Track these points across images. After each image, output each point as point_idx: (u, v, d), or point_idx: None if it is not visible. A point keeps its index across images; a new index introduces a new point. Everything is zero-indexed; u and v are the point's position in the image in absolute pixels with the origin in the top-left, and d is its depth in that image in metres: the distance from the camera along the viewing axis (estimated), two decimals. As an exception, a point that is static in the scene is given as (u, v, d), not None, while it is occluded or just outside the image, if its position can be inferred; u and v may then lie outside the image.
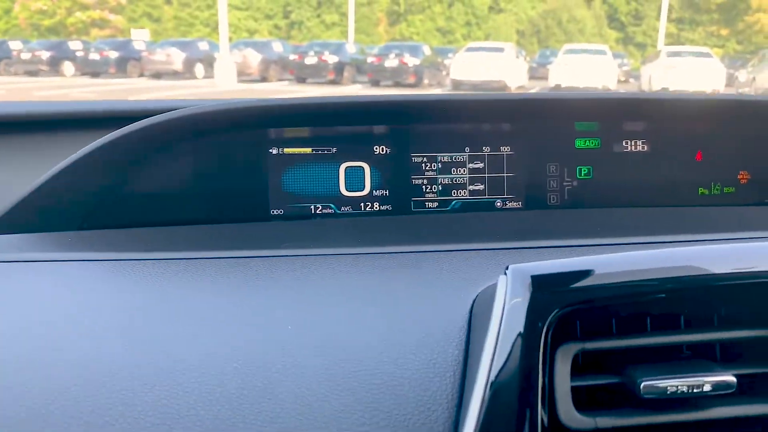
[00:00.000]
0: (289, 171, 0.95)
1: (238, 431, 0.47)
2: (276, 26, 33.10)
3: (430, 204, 0.98)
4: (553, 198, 1.01)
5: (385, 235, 0.88)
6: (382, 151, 0.96)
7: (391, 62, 17.63)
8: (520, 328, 0.45)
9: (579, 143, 1.01)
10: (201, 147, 0.91)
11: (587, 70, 16.74)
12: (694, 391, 0.45)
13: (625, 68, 23.69)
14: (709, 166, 1.03)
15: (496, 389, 0.44)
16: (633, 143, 1.02)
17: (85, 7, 29.32)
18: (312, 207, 0.95)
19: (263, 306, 0.60)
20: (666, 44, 25.11)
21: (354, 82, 18.35)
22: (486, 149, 0.99)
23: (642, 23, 35.90)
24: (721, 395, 0.47)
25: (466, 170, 0.99)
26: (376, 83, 17.84)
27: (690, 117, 1.02)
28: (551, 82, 17.07)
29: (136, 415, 0.48)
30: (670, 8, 29.54)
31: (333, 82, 18.02)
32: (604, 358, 0.49)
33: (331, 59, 18.15)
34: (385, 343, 0.54)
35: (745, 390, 0.48)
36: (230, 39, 20.26)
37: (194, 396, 0.49)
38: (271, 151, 0.94)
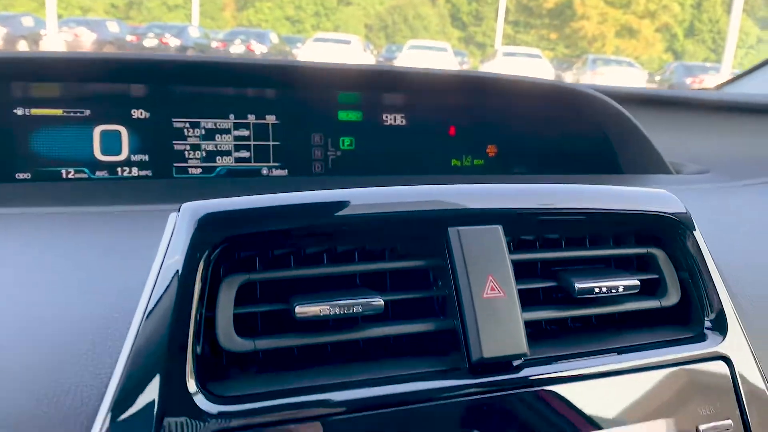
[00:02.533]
0: (37, 133, 0.91)
1: None
2: (113, 5, 31.07)
3: (194, 170, 0.99)
4: (318, 166, 1.05)
5: (135, 196, 0.88)
6: (141, 114, 0.95)
7: (237, 48, 17.25)
8: (180, 262, 0.47)
9: (342, 115, 1.06)
10: None
11: (429, 66, 17.39)
12: (346, 312, 0.50)
13: (465, 66, 24.87)
14: (460, 139, 1.12)
15: (150, 321, 0.46)
16: (392, 117, 1.08)
17: None
18: (63, 171, 0.92)
19: None
20: (503, 45, 26.68)
21: (197, 67, 17.69)
22: (251, 117, 1.01)
23: (482, 24, 37.84)
24: (373, 317, 0.52)
25: (231, 137, 1.00)
26: (220, 70, 17.32)
27: (443, 92, 1.10)
28: (395, 76, 17.52)
29: None
30: (507, 11, 31.41)
31: (174, 67, 17.26)
32: (281, 288, 0.53)
33: (173, 42, 17.41)
34: (65, 292, 0.54)
35: (397, 313, 0.54)
36: (60, 16, 18.76)
37: None
38: (15, 111, 0.90)
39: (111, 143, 0.94)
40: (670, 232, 0.64)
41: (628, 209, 0.62)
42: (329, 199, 0.53)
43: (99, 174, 0.94)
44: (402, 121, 1.09)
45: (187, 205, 0.50)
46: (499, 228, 0.56)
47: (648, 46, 34.85)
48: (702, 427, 0.56)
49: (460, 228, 0.54)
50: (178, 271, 0.47)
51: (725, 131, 1.31)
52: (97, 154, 0.94)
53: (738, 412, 0.58)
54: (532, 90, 1.10)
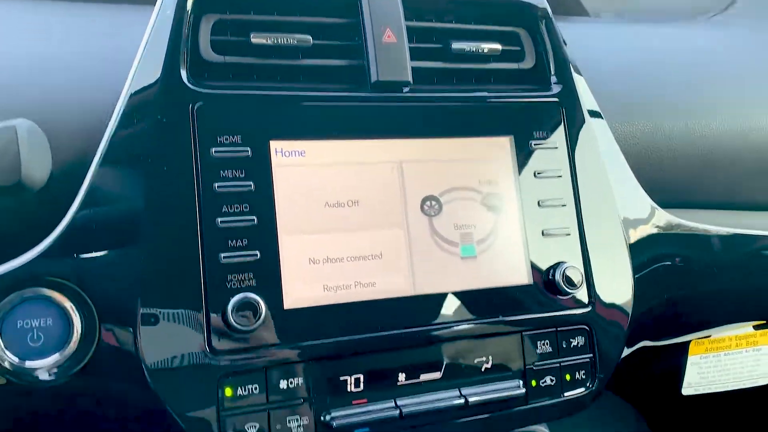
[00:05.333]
0: None
1: None
2: None
3: None
4: None
5: None
6: None
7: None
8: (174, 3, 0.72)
9: None
10: None
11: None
12: (286, 43, 0.74)
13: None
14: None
15: (149, 49, 0.70)
16: None
17: None
18: None
19: None
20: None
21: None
22: None
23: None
24: (307, 56, 0.77)
25: None
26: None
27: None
28: None
29: None
30: None
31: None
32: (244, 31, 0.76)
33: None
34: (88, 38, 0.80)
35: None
36: None
37: None
38: None
39: None
40: (532, 18, 0.88)
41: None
42: None
43: None
44: None
45: None
46: None
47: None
48: (533, 144, 0.82)
49: None
50: (172, 8, 0.72)
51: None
52: None
53: (564, 139, 0.84)
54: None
